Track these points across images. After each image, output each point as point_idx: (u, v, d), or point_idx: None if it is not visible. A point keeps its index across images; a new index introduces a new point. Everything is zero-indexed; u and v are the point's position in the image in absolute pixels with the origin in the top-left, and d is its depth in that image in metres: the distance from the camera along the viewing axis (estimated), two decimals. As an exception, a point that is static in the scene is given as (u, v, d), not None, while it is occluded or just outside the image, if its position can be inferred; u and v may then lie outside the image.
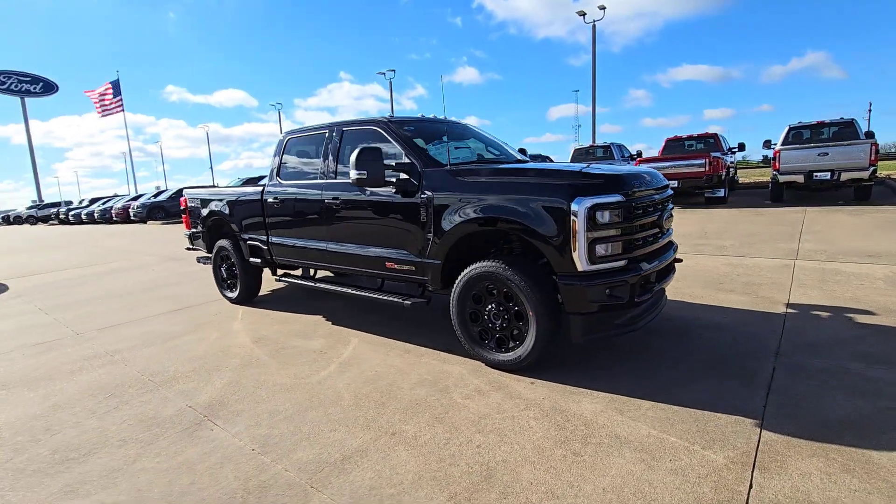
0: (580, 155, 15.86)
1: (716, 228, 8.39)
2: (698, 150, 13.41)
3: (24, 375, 3.55)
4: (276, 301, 5.36)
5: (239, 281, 5.21)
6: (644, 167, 3.45)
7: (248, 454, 2.33)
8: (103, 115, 39.94)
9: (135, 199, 27.16)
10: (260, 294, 5.47)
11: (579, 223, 2.61)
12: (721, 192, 11.68)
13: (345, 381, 3.09)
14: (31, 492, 2.14)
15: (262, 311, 4.95)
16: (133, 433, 2.60)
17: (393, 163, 3.40)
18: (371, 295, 3.82)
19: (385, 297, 3.68)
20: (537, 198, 2.79)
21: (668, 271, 3.29)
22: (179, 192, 16.11)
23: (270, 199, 4.58)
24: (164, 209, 23.26)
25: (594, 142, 19.85)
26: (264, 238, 4.72)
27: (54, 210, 34.57)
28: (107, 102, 38.88)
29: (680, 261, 3.66)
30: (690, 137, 13.94)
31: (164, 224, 21.67)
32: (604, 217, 2.66)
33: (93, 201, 32.46)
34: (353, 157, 3.30)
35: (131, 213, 23.98)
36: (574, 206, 2.62)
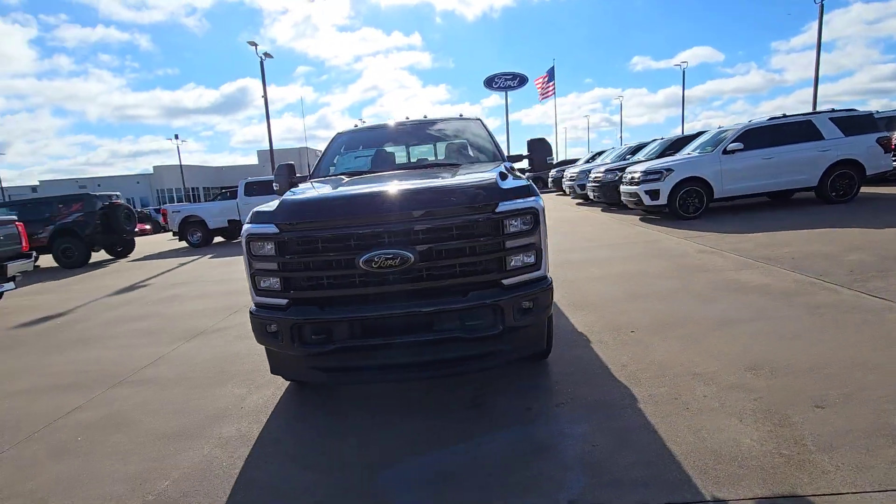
0: None
1: None
2: None
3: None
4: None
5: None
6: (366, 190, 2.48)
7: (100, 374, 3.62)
8: (543, 99, 48.10)
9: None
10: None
11: (245, 251, 2.52)
12: None
13: (237, 350, 3.96)
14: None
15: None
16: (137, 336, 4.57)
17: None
18: None
19: None
20: None
21: (408, 329, 2.34)
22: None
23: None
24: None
25: None
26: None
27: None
28: (545, 88, 46.37)
29: (504, 329, 2.30)
30: None
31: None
32: (258, 248, 2.43)
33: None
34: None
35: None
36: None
